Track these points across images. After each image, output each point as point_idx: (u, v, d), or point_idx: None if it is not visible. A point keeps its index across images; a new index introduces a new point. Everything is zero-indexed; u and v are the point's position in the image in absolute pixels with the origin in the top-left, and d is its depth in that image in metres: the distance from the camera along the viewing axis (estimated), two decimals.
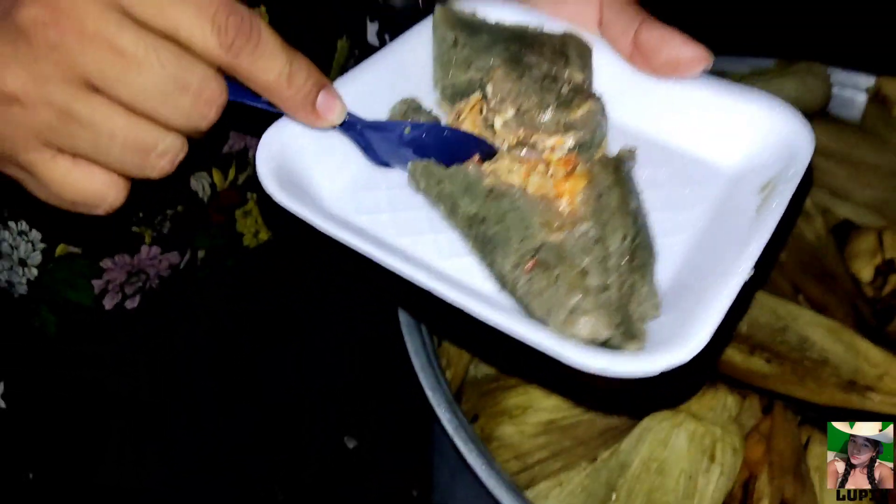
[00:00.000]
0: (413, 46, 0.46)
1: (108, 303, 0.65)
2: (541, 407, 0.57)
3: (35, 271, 0.62)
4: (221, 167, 0.63)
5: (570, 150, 0.41)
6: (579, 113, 0.40)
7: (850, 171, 0.73)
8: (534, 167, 0.39)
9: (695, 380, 0.56)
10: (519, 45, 0.44)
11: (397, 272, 0.34)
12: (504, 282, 0.36)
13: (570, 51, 0.44)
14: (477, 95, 0.43)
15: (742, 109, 0.43)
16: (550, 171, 0.39)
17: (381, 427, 0.83)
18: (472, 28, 0.45)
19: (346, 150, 0.42)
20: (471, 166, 0.40)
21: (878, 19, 1.36)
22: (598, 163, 0.39)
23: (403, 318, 0.58)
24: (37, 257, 0.61)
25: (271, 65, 0.36)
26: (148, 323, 0.67)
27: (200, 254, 0.67)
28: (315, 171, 0.40)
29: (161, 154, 0.36)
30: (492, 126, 0.41)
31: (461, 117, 0.43)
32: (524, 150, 0.41)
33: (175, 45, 0.34)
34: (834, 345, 0.55)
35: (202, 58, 0.34)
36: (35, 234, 0.61)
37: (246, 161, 0.64)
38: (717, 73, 0.80)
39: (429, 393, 0.53)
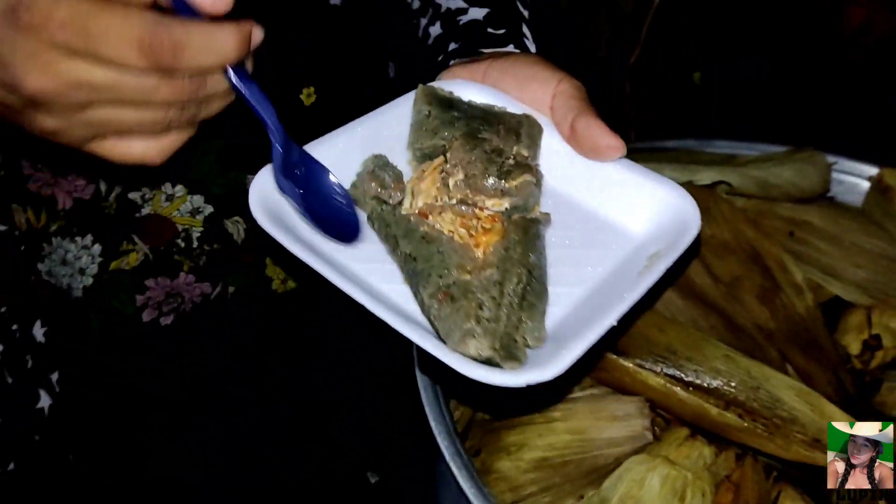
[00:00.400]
0: (395, 114, 0.56)
1: (146, 316, 0.75)
2: (535, 445, 0.64)
3: (90, 280, 0.73)
4: None
5: (506, 211, 0.49)
6: (515, 183, 0.50)
7: (844, 251, 0.78)
8: (469, 220, 0.48)
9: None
10: (480, 121, 0.54)
11: (339, 286, 0.44)
12: (423, 307, 0.46)
13: (522, 129, 0.54)
14: (440, 159, 0.52)
15: (648, 190, 0.52)
16: (479, 225, 0.48)
17: (402, 460, 0.89)
18: (445, 104, 0.55)
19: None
20: (413, 217, 0.49)
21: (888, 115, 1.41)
22: (513, 223, 0.48)
23: (418, 358, 0.65)
24: (94, 269, 0.72)
25: (206, 55, 0.41)
26: (178, 339, 0.77)
27: (231, 289, 0.77)
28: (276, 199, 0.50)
29: (180, 122, 0.45)
30: (447, 185, 0.50)
31: (424, 174, 0.52)
32: (465, 207, 0.50)
33: None
34: (802, 405, 0.61)
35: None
36: (96, 249, 0.72)
37: None
38: (728, 156, 0.87)
39: (432, 423, 0.60)
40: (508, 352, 0.42)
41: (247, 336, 0.81)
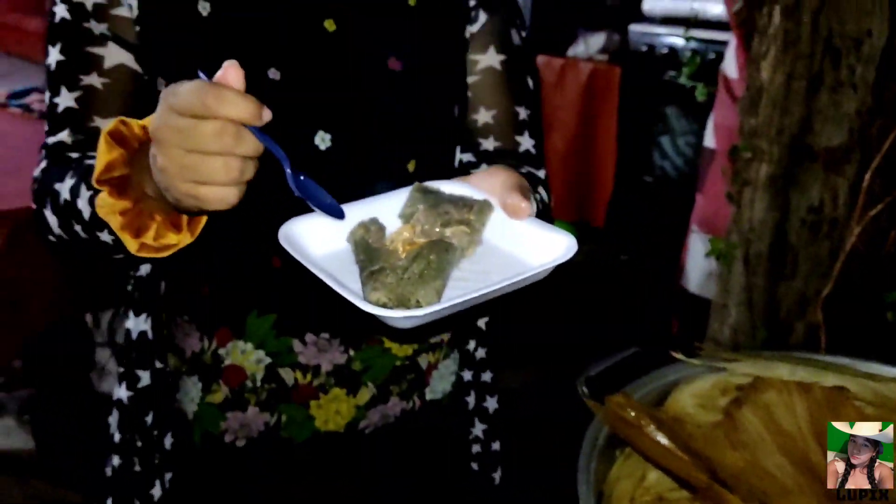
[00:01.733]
0: (399, 197, 0.86)
1: (227, 438, 1.07)
2: None
3: (196, 407, 1.08)
4: (302, 371, 1.05)
5: None
6: (452, 230, 0.80)
7: None
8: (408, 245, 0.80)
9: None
10: (445, 200, 0.83)
11: (317, 275, 0.72)
12: (361, 281, 0.76)
13: (475, 205, 0.83)
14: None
15: (545, 236, 0.80)
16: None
17: None
18: (428, 191, 0.85)
19: (320, 235, 0.81)
20: (372, 238, 0.79)
21: None
22: (429, 242, 0.79)
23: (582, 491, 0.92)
24: (197, 400, 1.07)
25: (235, 108, 0.66)
26: (248, 457, 1.08)
27: (284, 418, 1.06)
28: (306, 236, 0.80)
29: (243, 183, 0.70)
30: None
31: (403, 230, 0.82)
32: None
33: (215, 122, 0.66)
34: None
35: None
36: (199, 385, 1.06)
37: (318, 371, 1.05)
38: (867, 375, 1.06)
39: None
40: (401, 303, 0.72)
41: (300, 461, 1.09)
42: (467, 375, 1.19)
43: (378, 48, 1.00)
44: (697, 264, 2.61)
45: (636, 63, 3.93)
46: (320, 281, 0.72)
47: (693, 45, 3.38)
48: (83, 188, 0.87)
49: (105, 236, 0.86)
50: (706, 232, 2.45)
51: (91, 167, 0.86)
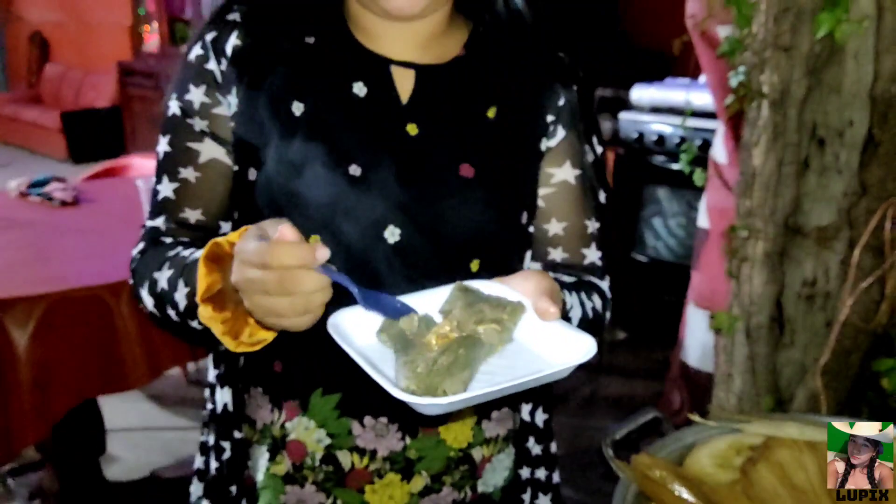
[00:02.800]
0: (441, 293, 0.93)
1: None
2: None
3: (262, 476, 1.11)
4: (359, 454, 1.09)
5: None
6: (483, 328, 0.87)
7: None
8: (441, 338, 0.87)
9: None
10: (482, 300, 0.90)
11: (354, 359, 0.81)
12: (395, 368, 0.83)
13: (509, 306, 0.90)
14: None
15: (569, 337, 0.87)
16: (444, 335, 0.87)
17: None
18: (469, 290, 0.92)
19: (359, 328, 0.89)
20: (408, 330, 0.87)
21: None
22: (460, 337, 0.86)
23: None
24: (263, 469, 1.11)
25: (292, 259, 0.76)
26: None
27: (339, 502, 1.10)
28: (350, 327, 0.88)
29: (316, 310, 0.80)
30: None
31: (441, 325, 0.88)
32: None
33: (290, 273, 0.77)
34: None
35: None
36: (266, 454, 1.11)
37: (375, 456, 1.09)
38: None
39: None
40: (428, 391, 0.79)
41: None
42: (525, 473, 1.21)
43: (453, 155, 1.08)
44: (696, 339, 2.71)
45: (628, 148, 4.12)
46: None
47: (681, 132, 3.57)
48: (181, 283, 0.97)
49: (195, 324, 0.96)
50: (704, 307, 2.56)
51: (186, 262, 0.99)
